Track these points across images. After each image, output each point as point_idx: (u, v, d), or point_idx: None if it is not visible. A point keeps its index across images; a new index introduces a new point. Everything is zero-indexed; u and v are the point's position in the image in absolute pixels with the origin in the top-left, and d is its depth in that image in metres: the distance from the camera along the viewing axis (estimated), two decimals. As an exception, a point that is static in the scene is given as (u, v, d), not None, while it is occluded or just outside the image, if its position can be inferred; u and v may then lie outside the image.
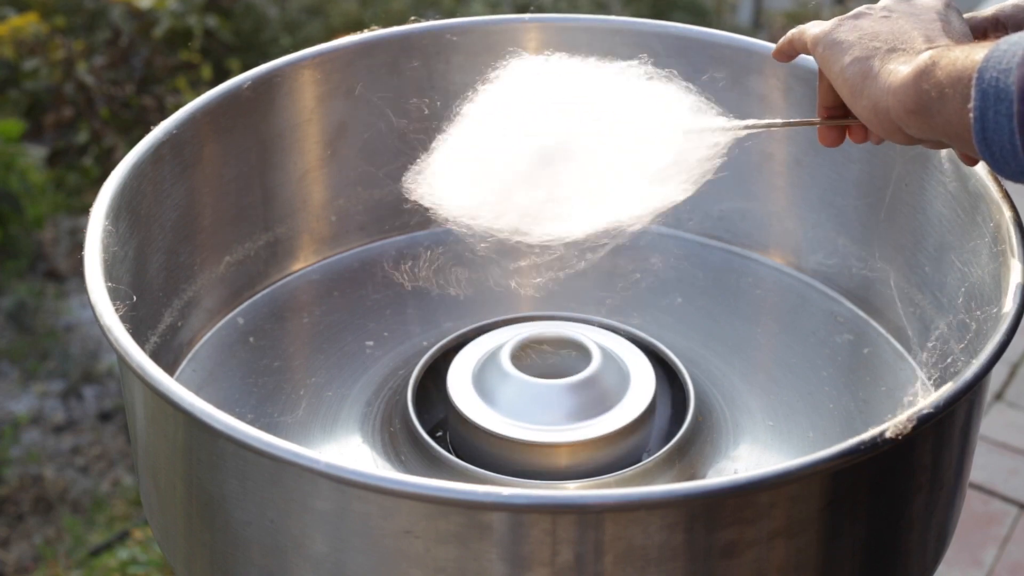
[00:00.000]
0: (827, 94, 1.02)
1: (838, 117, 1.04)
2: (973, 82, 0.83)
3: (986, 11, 1.02)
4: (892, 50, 0.93)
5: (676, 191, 1.01)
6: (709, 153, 1.01)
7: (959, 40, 0.94)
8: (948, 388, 0.89)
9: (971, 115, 0.83)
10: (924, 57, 0.88)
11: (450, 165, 1.04)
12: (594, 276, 1.29)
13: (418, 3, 3.86)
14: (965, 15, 1.02)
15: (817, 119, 1.04)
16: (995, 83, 0.81)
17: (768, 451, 1.13)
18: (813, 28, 1.01)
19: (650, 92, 1.04)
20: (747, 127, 1.02)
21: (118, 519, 2.51)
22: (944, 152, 1.14)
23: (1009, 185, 1.11)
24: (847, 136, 1.05)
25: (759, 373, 1.22)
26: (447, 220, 1.03)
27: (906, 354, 1.21)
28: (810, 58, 1.02)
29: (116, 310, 0.96)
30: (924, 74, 0.87)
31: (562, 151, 1.00)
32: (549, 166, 1.00)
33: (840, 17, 1.00)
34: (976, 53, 0.84)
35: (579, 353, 1.13)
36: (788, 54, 1.07)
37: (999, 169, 0.85)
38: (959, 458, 1.00)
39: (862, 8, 1.00)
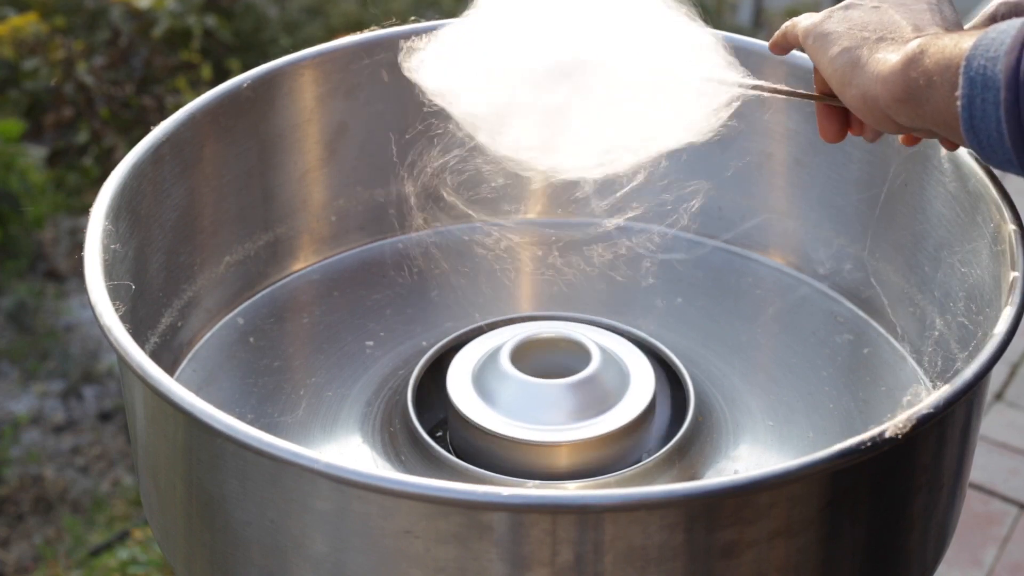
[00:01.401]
0: (823, 86, 1.03)
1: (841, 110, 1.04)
2: (961, 70, 0.83)
3: (984, 10, 1.02)
4: (881, 39, 0.93)
5: (680, 138, 1.00)
6: (718, 106, 1.01)
7: (950, 29, 0.94)
8: (948, 388, 0.89)
9: (959, 103, 0.83)
10: (913, 45, 0.88)
11: (459, 58, 1.02)
12: (594, 276, 1.29)
13: (418, 3, 3.86)
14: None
15: (819, 95, 1.04)
16: (983, 71, 0.82)
17: (768, 451, 1.13)
18: (804, 21, 1.02)
19: (675, 30, 1.02)
20: (756, 87, 1.02)
21: (118, 519, 2.51)
22: (944, 152, 1.14)
23: (1009, 185, 1.11)
24: (848, 131, 1.05)
25: (759, 373, 1.22)
26: (441, 104, 1.01)
27: (906, 354, 1.21)
28: (807, 56, 1.02)
29: (116, 310, 0.96)
30: (913, 62, 0.87)
31: (573, 74, 0.98)
32: (558, 87, 0.98)
33: (830, 9, 1.00)
34: (964, 41, 0.84)
35: (579, 353, 1.13)
36: (783, 47, 1.07)
37: (987, 157, 0.85)
38: (959, 458, 1.00)
39: (853, 0, 1.00)
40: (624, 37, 1.00)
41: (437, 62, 1.02)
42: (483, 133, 1.00)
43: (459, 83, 1.00)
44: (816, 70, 1.02)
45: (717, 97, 1.01)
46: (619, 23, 1.01)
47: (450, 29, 1.04)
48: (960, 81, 0.83)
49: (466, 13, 1.04)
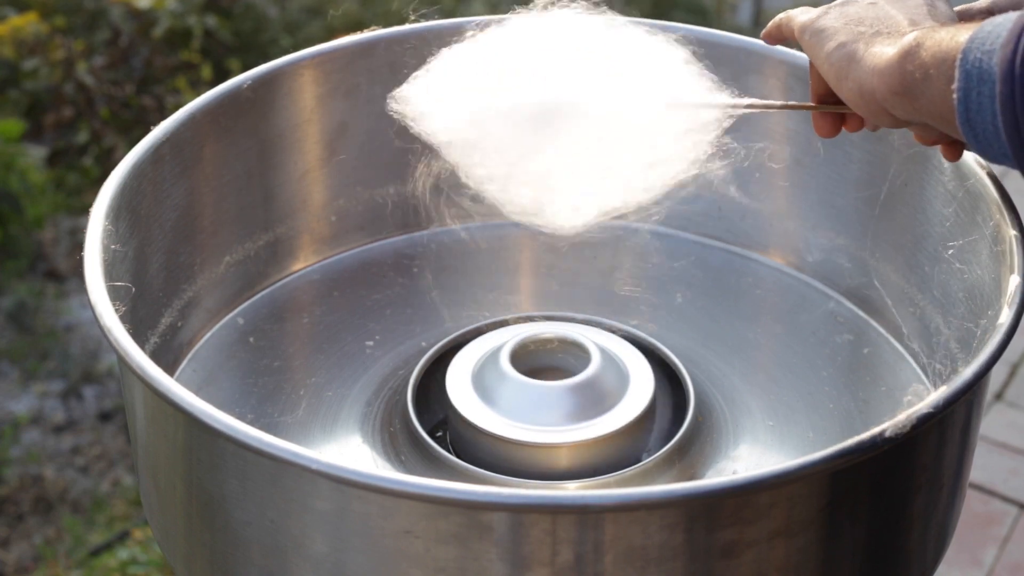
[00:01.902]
0: (819, 83, 1.03)
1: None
2: (957, 63, 0.83)
3: (980, 2, 1.02)
4: (877, 33, 0.93)
5: (675, 170, 1.00)
6: (707, 131, 1.01)
7: (945, 24, 0.94)
8: (948, 388, 0.89)
9: (954, 96, 0.83)
10: (909, 38, 0.88)
11: (445, 97, 1.02)
12: (594, 276, 1.29)
13: (418, 3, 3.86)
14: (960, 6, 1.02)
15: (812, 104, 1.04)
16: (978, 64, 0.82)
17: (768, 451, 1.13)
18: (800, 16, 1.02)
19: (655, 59, 1.02)
20: (749, 106, 1.02)
21: (118, 519, 2.51)
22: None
23: (1009, 185, 1.11)
24: (843, 127, 1.05)
25: (759, 373, 1.22)
26: (433, 142, 1.02)
27: (906, 354, 1.21)
28: (806, 56, 1.02)
29: (116, 310, 0.96)
30: (909, 55, 0.88)
31: (559, 114, 0.98)
32: (544, 130, 0.98)
33: (826, 6, 1.00)
34: (961, 35, 0.84)
35: (579, 353, 1.13)
36: (776, 38, 1.08)
37: (982, 151, 0.85)
38: (959, 458, 1.00)
39: None
40: (608, 73, 1.00)
41: (425, 107, 1.02)
42: (477, 182, 1.01)
43: (449, 131, 1.01)
44: (812, 67, 1.02)
45: (708, 122, 1.01)
46: (601, 58, 1.01)
47: (434, 69, 1.04)
48: (956, 75, 0.83)
49: (448, 48, 1.04)
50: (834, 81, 0.95)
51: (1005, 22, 0.82)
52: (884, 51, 0.90)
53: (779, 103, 1.06)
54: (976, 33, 0.83)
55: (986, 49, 0.81)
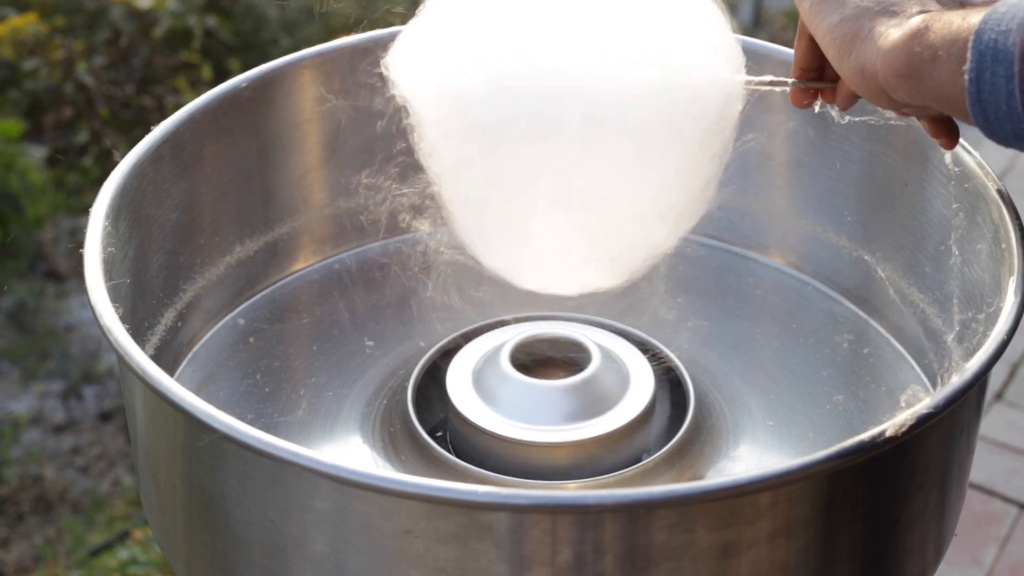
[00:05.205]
0: (805, 55, 1.01)
1: (813, 80, 1.02)
2: (970, 44, 0.83)
3: None
4: (883, 12, 0.92)
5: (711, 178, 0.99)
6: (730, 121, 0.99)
7: (950, 7, 0.93)
8: (948, 388, 0.89)
9: (966, 77, 0.83)
10: (917, 20, 0.88)
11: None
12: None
13: (418, 3, 3.86)
14: None
15: (790, 80, 1.03)
16: (993, 44, 0.81)
17: (768, 451, 1.13)
18: None
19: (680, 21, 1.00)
20: (760, 83, 1.01)
21: (118, 519, 2.51)
22: (944, 152, 1.14)
23: (1009, 185, 1.11)
24: (819, 98, 1.04)
25: (759, 373, 1.22)
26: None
27: (906, 354, 1.21)
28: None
29: (116, 310, 0.96)
30: (916, 37, 0.87)
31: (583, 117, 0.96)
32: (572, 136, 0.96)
33: None
34: (972, 16, 0.84)
35: (579, 353, 1.13)
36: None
37: (992, 132, 0.84)
38: (959, 458, 1.00)
39: None
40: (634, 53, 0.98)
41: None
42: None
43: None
44: (799, 37, 1.01)
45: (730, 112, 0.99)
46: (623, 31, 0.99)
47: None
48: (968, 55, 0.83)
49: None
50: (834, 57, 0.94)
51: (1021, 3, 0.81)
52: (890, 32, 0.89)
53: (770, 79, 1.03)
54: (990, 14, 0.83)
55: (1001, 30, 0.81)
